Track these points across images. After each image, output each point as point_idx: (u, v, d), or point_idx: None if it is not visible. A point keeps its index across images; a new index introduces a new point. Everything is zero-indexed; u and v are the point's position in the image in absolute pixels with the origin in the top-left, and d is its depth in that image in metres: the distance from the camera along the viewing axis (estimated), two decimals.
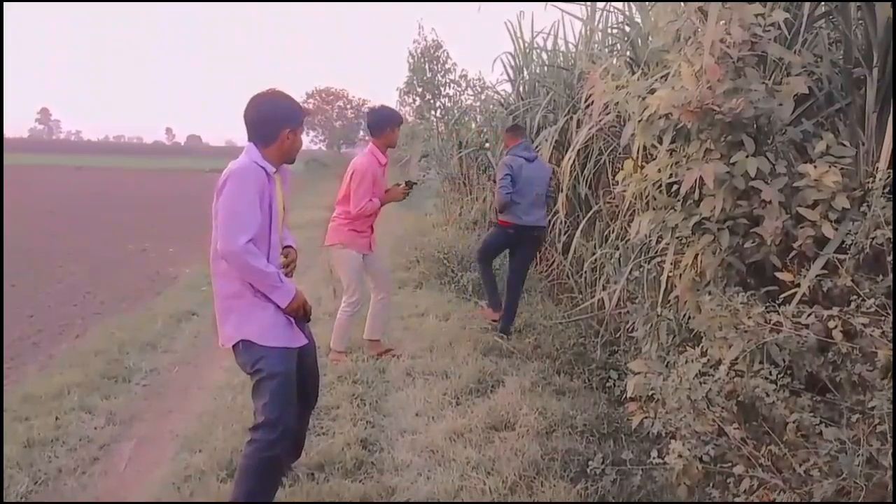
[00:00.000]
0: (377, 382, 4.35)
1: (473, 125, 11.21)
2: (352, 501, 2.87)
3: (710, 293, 2.57)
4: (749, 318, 2.29)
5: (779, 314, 2.27)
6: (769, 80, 2.78)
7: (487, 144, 9.88)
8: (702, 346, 2.54)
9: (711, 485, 2.24)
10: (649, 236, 3.58)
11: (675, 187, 2.91)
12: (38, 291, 7.08)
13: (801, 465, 2.05)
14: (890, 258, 2.20)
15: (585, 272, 5.45)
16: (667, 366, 2.69)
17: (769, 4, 2.78)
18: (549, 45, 8.56)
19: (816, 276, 2.42)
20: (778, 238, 2.52)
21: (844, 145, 2.60)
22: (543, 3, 8.25)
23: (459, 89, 12.87)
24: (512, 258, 5.48)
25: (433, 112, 13.20)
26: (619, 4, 7.02)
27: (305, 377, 2.83)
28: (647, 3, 4.88)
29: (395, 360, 4.76)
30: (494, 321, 5.47)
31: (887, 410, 1.94)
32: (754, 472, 2.11)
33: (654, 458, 2.30)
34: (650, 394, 2.55)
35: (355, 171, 4.61)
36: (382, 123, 4.69)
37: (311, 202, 15.12)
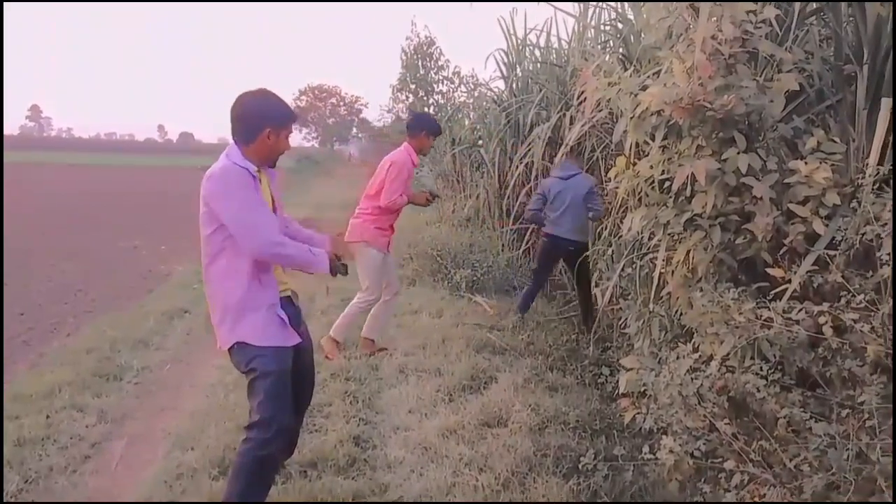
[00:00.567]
0: (370, 380, 4.35)
1: (466, 122, 11.22)
2: (344, 499, 2.87)
3: (701, 289, 2.58)
4: (740, 313, 2.30)
5: (770, 310, 2.28)
6: (760, 76, 2.80)
7: (480, 142, 9.87)
8: (693, 342, 2.55)
9: (703, 480, 2.25)
10: (641, 233, 3.59)
11: (667, 184, 2.92)
12: (28, 289, 7.04)
13: (791, 460, 2.06)
14: (879, 254, 2.21)
15: None
16: (659, 362, 2.70)
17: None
18: (542, 42, 8.58)
19: (807, 272, 2.44)
20: (769, 234, 2.53)
21: (835, 142, 2.61)
22: (536, 1, 8.27)
23: (452, 86, 12.94)
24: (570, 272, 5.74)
25: (426, 109, 13.20)
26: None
27: (301, 375, 2.84)
28: (639, 1, 4.89)
29: (389, 357, 4.75)
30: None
31: (876, 405, 1.95)
32: (745, 468, 2.12)
33: (645, 453, 2.30)
34: (642, 390, 2.56)
35: (393, 163, 4.67)
36: (420, 126, 4.83)
37: (302, 200, 15.10)
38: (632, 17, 5.28)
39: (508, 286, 6.75)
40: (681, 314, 2.97)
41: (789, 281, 2.45)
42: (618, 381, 2.73)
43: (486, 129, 9.56)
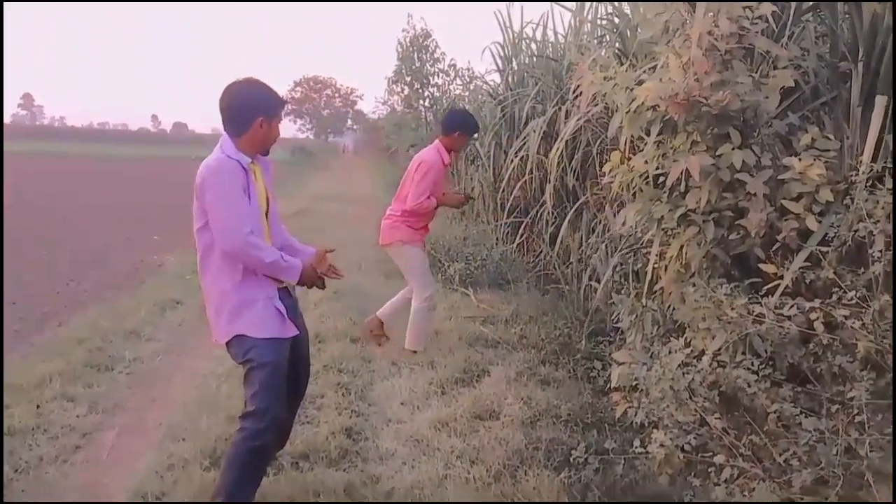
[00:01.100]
0: (363, 372, 4.35)
1: None
2: (336, 491, 2.87)
3: (694, 284, 2.59)
4: (732, 309, 2.31)
5: (762, 306, 2.29)
6: (756, 72, 2.79)
7: (476, 135, 9.85)
8: (685, 337, 2.56)
9: (693, 474, 2.26)
10: (635, 227, 3.59)
11: (661, 179, 2.92)
12: (20, 279, 7.00)
13: (780, 455, 2.08)
14: (871, 251, 2.22)
15: (572, 263, 5.46)
16: (651, 356, 2.71)
17: None
18: (539, 36, 8.54)
19: (799, 268, 2.44)
20: (762, 230, 2.53)
21: (829, 139, 2.62)
22: None
23: (448, 79, 12.86)
24: None
25: (422, 101, 13.17)
26: None
27: (297, 365, 2.84)
28: None
29: (381, 349, 4.75)
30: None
31: (866, 401, 1.97)
32: (735, 462, 2.13)
33: (636, 447, 2.31)
34: (634, 384, 2.57)
35: (423, 162, 4.48)
36: (454, 125, 4.59)
37: (297, 192, 15.05)
38: (628, 11, 5.27)
39: (502, 280, 6.75)
40: (673, 309, 2.98)
41: (782, 277, 2.46)
42: (610, 375, 2.73)
43: (482, 122, 9.54)
